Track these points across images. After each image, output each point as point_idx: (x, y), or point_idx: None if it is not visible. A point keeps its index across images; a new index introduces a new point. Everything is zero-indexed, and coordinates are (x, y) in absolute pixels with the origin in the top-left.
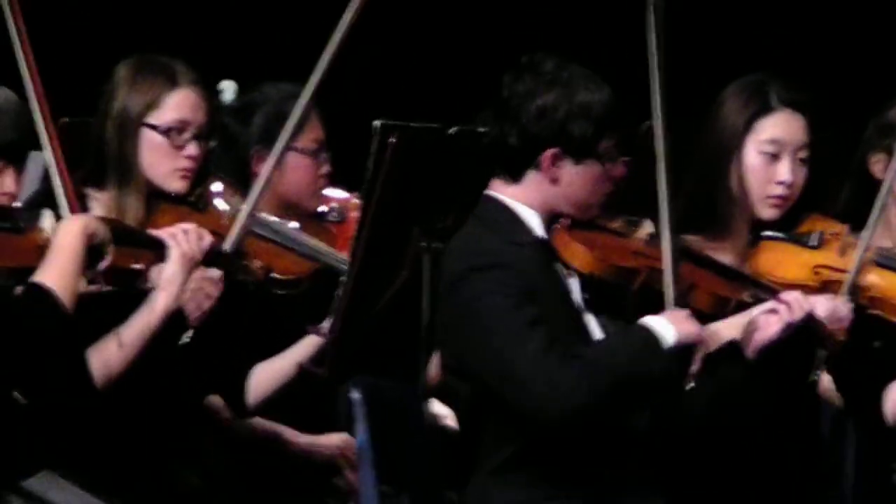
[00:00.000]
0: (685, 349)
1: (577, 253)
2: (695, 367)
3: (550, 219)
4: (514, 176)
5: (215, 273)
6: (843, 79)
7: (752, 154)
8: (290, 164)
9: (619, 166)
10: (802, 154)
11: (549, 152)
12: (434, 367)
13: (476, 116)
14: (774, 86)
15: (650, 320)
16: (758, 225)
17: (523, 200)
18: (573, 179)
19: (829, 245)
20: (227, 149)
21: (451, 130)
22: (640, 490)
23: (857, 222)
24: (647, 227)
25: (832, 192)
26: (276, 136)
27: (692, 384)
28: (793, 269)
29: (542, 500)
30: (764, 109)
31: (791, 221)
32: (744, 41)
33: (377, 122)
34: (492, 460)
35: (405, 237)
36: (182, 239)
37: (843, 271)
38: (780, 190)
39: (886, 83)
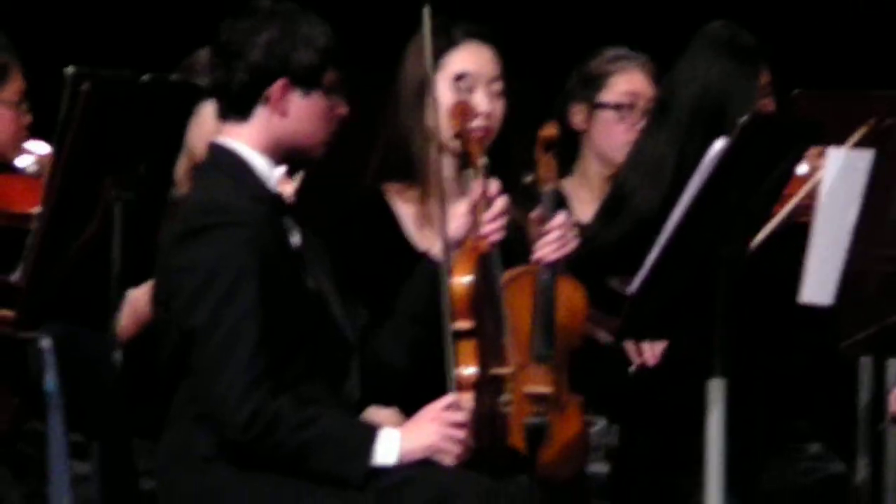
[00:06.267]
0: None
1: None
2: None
3: (282, 158)
4: (243, 113)
5: None
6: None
7: (445, 90)
8: None
9: (342, 104)
10: (496, 87)
11: (279, 83)
12: (126, 318)
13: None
14: (459, 22)
15: (388, 432)
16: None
17: (253, 142)
18: (301, 113)
19: None
20: None
21: (144, 78)
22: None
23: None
24: None
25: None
26: None
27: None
28: None
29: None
30: (449, 44)
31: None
32: None
33: (69, 70)
34: (198, 406)
35: (97, 186)
36: None
37: None
38: (479, 121)
39: (594, 35)
